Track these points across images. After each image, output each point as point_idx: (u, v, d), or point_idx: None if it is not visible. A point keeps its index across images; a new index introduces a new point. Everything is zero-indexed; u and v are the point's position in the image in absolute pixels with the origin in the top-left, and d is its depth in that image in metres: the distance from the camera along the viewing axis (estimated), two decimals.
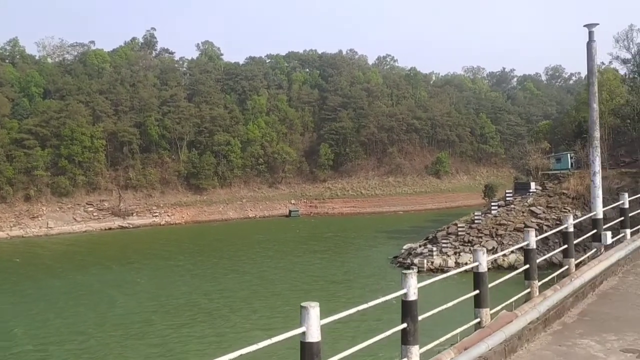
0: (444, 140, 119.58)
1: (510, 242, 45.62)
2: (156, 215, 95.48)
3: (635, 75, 70.80)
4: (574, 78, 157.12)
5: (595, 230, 12.34)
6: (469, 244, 49.16)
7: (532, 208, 51.12)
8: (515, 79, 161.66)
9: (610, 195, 31.03)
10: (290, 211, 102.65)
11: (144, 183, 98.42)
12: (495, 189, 77.65)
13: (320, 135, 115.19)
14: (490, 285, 7.91)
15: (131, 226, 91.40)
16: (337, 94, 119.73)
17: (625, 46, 69.59)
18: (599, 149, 12.91)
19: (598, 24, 12.96)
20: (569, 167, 57.03)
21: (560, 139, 70.89)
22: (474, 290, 7.39)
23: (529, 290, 8.68)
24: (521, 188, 56.22)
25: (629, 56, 70.33)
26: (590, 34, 13.03)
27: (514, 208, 51.88)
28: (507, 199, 54.28)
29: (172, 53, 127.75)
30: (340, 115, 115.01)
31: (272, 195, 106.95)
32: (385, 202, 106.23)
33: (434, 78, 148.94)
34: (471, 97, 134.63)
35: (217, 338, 30.18)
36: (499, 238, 47.87)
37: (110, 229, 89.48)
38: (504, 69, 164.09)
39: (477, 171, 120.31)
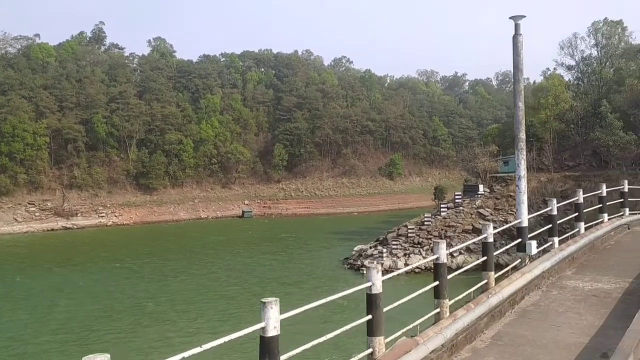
0: (397, 142, 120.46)
1: (459, 244, 46.08)
2: (102, 216, 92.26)
3: (579, 82, 73.09)
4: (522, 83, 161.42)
5: (519, 240, 11.36)
6: (419, 246, 49.54)
7: (480, 210, 51.92)
8: (467, 83, 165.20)
9: (556, 198, 31.37)
10: (243, 212, 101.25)
11: (90, 182, 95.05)
12: (445, 190, 78.58)
13: (274, 136, 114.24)
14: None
15: (75, 227, 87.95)
16: (292, 94, 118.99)
17: (570, 53, 71.84)
18: (524, 151, 11.85)
19: (525, 16, 12.03)
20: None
21: (508, 142, 71.96)
22: (367, 314, 6.36)
23: (438, 310, 7.70)
24: (470, 190, 56.97)
25: (573, 63, 72.62)
26: (516, 26, 12.09)
27: (463, 210, 52.57)
28: (457, 200, 54.92)
29: (121, 49, 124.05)
30: (295, 115, 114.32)
31: (225, 196, 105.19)
32: (339, 203, 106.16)
33: (388, 80, 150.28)
34: (424, 100, 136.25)
35: (161, 343, 29.26)
36: (448, 239, 48.25)
37: (53, 229, 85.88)
38: (456, 73, 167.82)
39: (429, 173, 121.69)
